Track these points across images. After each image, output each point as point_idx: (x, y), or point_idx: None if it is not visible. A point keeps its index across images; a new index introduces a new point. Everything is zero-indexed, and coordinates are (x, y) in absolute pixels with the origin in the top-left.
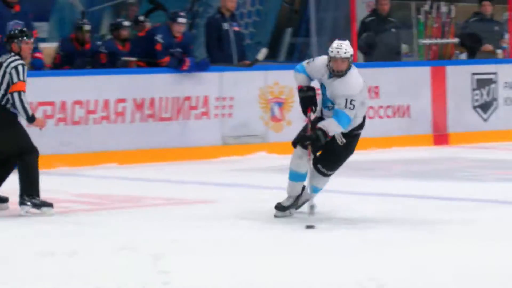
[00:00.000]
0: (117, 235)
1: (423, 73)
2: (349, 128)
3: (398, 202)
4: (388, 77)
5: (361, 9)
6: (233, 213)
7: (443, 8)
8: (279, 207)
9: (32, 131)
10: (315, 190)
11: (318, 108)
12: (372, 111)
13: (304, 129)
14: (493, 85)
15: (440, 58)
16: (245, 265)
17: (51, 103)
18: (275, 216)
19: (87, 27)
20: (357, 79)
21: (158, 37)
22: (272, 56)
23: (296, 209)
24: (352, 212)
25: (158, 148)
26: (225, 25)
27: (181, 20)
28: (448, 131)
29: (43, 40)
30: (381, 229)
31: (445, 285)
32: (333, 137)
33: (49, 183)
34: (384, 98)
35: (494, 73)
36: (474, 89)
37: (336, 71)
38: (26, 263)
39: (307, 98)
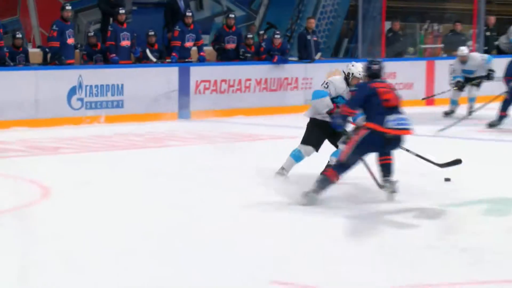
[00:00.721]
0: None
1: (422, 64)
2: None
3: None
4: (402, 67)
5: (388, 27)
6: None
7: (435, 27)
8: (280, 173)
9: None
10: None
11: (331, 106)
12: None
13: (313, 133)
14: None
15: (432, 55)
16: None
17: (208, 81)
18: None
19: (231, 15)
20: None
21: (263, 44)
22: (335, 55)
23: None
24: None
25: (269, 107)
26: (309, 37)
27: (277, 36)
28: (436, 97)
29: (205, 45)
30: None
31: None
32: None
33: (205, 127)
34: (398, 79)
35: None
36: (450, 74)
37: (353, 85)
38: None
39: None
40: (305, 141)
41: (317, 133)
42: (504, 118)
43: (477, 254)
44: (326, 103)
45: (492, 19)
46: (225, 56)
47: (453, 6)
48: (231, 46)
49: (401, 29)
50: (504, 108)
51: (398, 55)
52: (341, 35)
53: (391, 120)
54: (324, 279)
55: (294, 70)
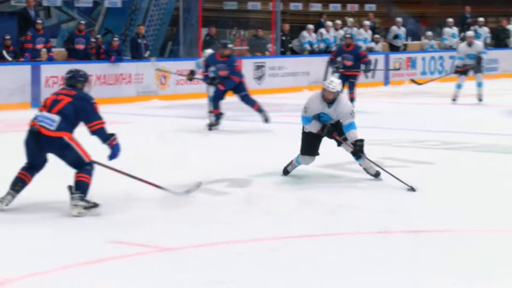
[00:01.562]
0: None
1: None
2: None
3: None
4: None
5: (206, 33)
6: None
7: (242, 32)
8: (286, 172)
9: None
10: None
11: (319, 126)
12: None
13: (307, 143)
14: (263, 68)
15: (239, 55)
16: None
17: (56, 77)
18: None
19: (82, 22)
20: (345, 99)
21: (102, 46)
22: (161, 56)
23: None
24: None
25: (108, 98)
26: (139, 40)
27: (115, 39)
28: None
29: (54, 47)
30: None
31: None
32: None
33: None
34: None
35: (264, 63)
36: (255, 69)
37: (326, 99)
38: None
39: (329, 133)
40: (301, 151)
41: (309, 142)
42: (220, 116)
43: (277, 215)
44: (314, 126)
45: (287, 26)
46: (75, 55)
47: (256, 16)
48: (80, 47)
49: (216, 34)
50: (215, 106)
51: None
52: (166, 39)
53: (39, 116)
54: (150, 238)
55: (127, 67)
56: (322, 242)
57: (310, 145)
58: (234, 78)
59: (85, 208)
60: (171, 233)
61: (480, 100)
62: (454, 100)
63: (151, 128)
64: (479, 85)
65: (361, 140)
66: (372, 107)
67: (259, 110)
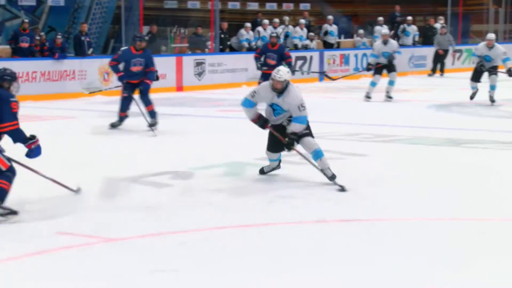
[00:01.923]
0: None
1: (172, 60)
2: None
3: None
4: (158, 62)
5: (147, 30)
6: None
7: (182, 30)
8: (262, 171)
9: None
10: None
11: (255, 114)
12: None
13: (271, 140)
14: (203, 65)
15: (179, 53)
16: None
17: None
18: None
19: (26, 20)
20: (296, 90)
21: (46, 43)
22: (104, 53)
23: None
24: None
25: (52, 93)
26: (82, 38)
27: (58, 37)
28: (184, 84)
29: None
30: None
31: None
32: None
33: None
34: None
35: (204, 59)
36: (195, 66)
37: (275, 88)
38: None
39: (263, 125)
40: (267, 147)
41: (273, 139)
42: (124, 118)
43: (218, 206)
44: (251, 112)
45: (225, 24)
46: (20, 53)
47: (195, 14)
48: (24, 45)
49: (157, 32)
50: (123, 109)
51: (154, 52)
52: (108, 36)
53: None
54: (95, 229)
55: (71, 64)
56: (260, 232)
57: (273, 142)
58: (153, 69)
59: (2, 215)
60: (115, 224)
61: (389, 97)
62: (368, 97)
63: (95, 123)
64: (391, 83)
65: (295, 134)
66: (307, 102)
67: (152, 112)
